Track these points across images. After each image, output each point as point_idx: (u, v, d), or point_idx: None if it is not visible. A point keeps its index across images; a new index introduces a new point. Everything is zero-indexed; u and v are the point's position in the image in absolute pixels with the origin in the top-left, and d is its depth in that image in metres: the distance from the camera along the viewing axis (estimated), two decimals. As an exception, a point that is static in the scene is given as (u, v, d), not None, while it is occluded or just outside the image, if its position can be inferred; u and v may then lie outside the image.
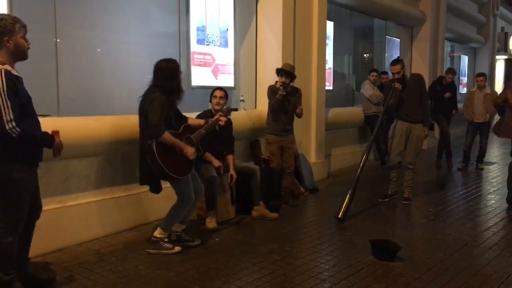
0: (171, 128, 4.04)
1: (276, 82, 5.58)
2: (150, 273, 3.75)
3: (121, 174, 4.77)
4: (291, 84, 5.63)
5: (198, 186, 4.37)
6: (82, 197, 4.42)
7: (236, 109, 6.29)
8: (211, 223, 4.78)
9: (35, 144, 3.11)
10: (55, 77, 4.71)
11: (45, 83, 4.72)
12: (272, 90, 5.61)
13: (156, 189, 4.23)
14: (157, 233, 4.20)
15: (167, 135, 3.93)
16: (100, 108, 5.08)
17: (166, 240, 4.21)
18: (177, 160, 4.02)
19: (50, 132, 3.19)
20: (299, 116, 5.89)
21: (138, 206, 4.88)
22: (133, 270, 3.80)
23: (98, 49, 5.36)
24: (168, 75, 4.05)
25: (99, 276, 3.67)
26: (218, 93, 5.03)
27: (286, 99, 5.57)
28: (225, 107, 4.88)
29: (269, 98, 5.66)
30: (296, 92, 5.77)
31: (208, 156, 4.91)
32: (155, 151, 3.88)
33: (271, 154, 5.79)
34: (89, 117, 4.58)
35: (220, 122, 4.56)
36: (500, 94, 6.59)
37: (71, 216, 4.29)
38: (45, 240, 3.97)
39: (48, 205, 4.11)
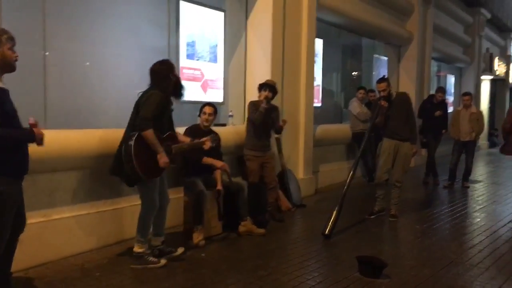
0: (160, 131, 4.03)
1: (260, 96, 5.62)
2: (134, 288, 3.71)
3: (107, 188, 4.72)
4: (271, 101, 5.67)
5: (164, 195, 4.31)
6: (67, 210, 4.36)
7: (224, 124, 6.30)
8: (198, 238, 4.74)
9: (16, 142, 3.03)
10: (42, 90, 4.69)
11: (33, 95, 4.69)
12: (254, 105, 5.64)
13: (129, 183, 4.16)
14: (136, 248, 4.16)
15: (150, 133, 3.90)
16: (88, 122, 5.05)
17: (148, 253, 4.17)
18: (150, 161, 3.98)
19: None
20: (279, 131, 6.02)
21: (123, 221, 4.83)
22: (118, 285, 3.75)
23: (87, 63, 5.35)
24: (161, 75, 4.11)
25: (83, 292, 3.62)
26: (207, 110, 5.04)
27: (267, 115, 5.59)
28: (216, 136, 4.88)
29: (250, 113, 5.68)
30: (276, 110, 5.86)
31: (208, 159, 4.89)
32: (132, 146, 3.85)
33: (251, 171, 5.75)
34: (76, 130, 4.55)
35: (204, 146, 4.55)
36: (507, 117, 6.97)
37: (56, 230, 4.23)
38: (28, 254, 3.90)
39: (32, 218, 4.04)
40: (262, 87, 5.63)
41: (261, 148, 5.75)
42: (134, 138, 3.89)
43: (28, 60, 4.60)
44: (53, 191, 4.26)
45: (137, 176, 3.94)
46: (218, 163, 4.92)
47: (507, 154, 7.13)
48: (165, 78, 4.12)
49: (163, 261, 4.16)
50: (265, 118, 5.61)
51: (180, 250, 4.33)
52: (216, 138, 4.80)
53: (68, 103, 5.06)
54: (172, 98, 4.24)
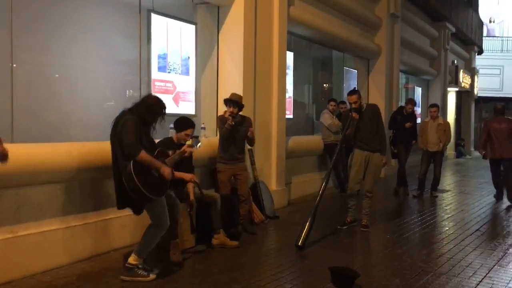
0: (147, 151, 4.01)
1: (225, 112, 5.59)
2: (105, 305, 3.63)
3: (77, 203, 4.63)
4: (240, 113, 5.65)
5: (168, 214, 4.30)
6: (34, 226, 4.25)
7: (197, 137, 6.28)
8: (175, 255, 4.65)
9: None
10: (9, 103, 4.59)
11: (-1, 108, 4.59)
12: (221, 120, 5.63)
13: (138, 210, 4.17)
14: (132, 259, 4.13)
15: (144, 154, 3.91)
16: (56, 135, 4.96)
17: (140, 267, 4.13)
18: (153, 180, 3.99)
19: None
20: (251, 143, 5.95)
21: (94, 236, 4.74)
22: (87, 302, 3.66)
23: (56, 75, 5.28)
24: (152, 110, 4.11)
25: (51, 310, 3.52)
26: (190, 132, 4.99)
27: (235, 129, 5.59)
28: (193, 137, 4.89)
29: (218, 128, 5.69)
30: (244, 121, 5.78)
31: (177, 173, 4.83)
32: (132, 171, 3.84)
33: (220, 183, 5.74)
34: (43, 143, 4.46)
35: (186, 154, 4.56)
36: (482, 133, 8.74)
37: (22, 246, 4.11)
38: (-7, 272, 3.79)
39: (-2, 235, 3.95)
40: (226, 102, 5.60)
41: (230, 160, 5.71)
42: (131, 165, 3.87)
43: (-6, 73, 4.52)
44: (20, 206, 4.15)
45: (146, 198, 3.93)
46: (187, 176, 4.87)
47: (489, 158, 8.52)
48: (152, 115, 4.13)
49: (152, 276, 4.14)
50: (233, 132, 5.60)
51: (154, 274, 4.23)
52: (195, 140, 4.80)
53: (36, 116, 4.97)
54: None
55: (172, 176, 4.13)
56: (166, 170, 4.06)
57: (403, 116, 9.11)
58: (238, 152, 5.78)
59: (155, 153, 4.13)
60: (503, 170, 8.48)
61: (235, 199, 5.80)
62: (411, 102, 9.37)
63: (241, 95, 5.88)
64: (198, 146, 4.79)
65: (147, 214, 4.19)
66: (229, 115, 5.50)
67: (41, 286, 3.96)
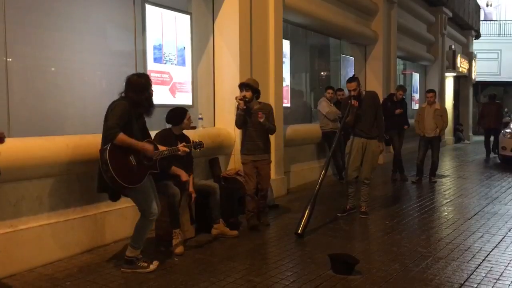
0: (132, 137, 4.00)
1: (236, 97, 5.40)
2: (106, 296, 3.65)
3: (76, 196, 4.64)
4: (258, 100, 5.49)
5: (157, 202, 4.31)
6: (34, 220, 4.26)
7: (194, 127, 6.28)
8: (178, 247, 4.65)
9: None
10: (5, 97, 4.57)
11: (-5, 103, 4.56)
12: (238, 107, 5.41)
13: (113, 196, 4.17)
14: (128, 252, 4.16)
15: (122, 136, 3.88)
16: (53, 128, 4.94)
17: (140, 258, 4.15)
18: (128, 168, 3.97)
19: None
20: (271, 131, 5.54)
21: (93, 228, 4.75)
22: (89, 294, 3.69)
23: (52, 68, 5.24)
24: (137, 89, 4.07)
25: (53, 302, 3.54)
26: (189, 115, 5.01)
27: (250, 115, 5.39)
28: (198, 140, 4.87)
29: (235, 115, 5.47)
30: (264, 108, 5.48)
31: (175, 169, 4.83)
32: (108, 157, 3.83)
33: (246, 176, 5.55)
34: (41, 137, 4.45)
35: (180, 153, 4.57)
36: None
37: (23, 240, 4.12)
38: (-6, 266, 3.81)
39: (-2, 229, 3.96)
40: (240, 87, 5.40)
41: (253, 150, 5.42)
42: (107, 148, 3.86)
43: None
44: (18, 200, 4.16)
45: (118, 185, 3.91)
46: (183, 176, 4.85)
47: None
48: (142, 91, 4.09)
49: (152, 267, 4.16)
50: (247, 118, 5.35)
51: (154, 265, 4.24)
52: (197, 144, 4.81)
53: (33, 110, 4.94)
54: None
55: (151, 153, 4.10)
56: (147, 147, 4.04)
57: (393, 102, 9.10)
58: (260, 142, 5.44)
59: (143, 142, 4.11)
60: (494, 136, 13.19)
61: (235, 188, 5.80)
62: (402, 88, 9.37)
63: (257, 80, 5.60)
64: (198, 150, 4.82)
65: (134, 202, 4.21)
66: (241, 99, 5.29)
67: (43, 279, 3.98)
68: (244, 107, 5.29)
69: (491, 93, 14.33)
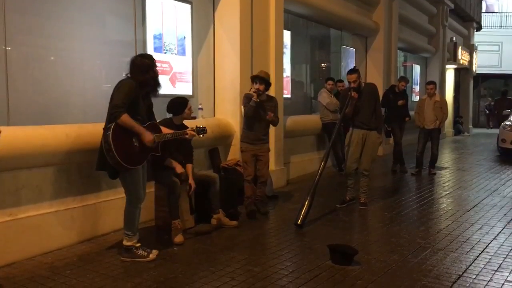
0: (138, 117, 4.02)
1: (251, 89, 5.51)
2: (106, 285, 3.66)
3: (76, 185, 4.64)
4: (266, 92, 5.58)
5: (144, 190, 4.31)
6: (34, 208, 4.27)
7: (194, 117, 6.26)
8: (176, 236, 4.66)
9: None
10: (5, 86, 4.55)
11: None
12: (247, 98, 5.51)
13: (112, 175, 4.15)
14: (125, 241, 4.18)
15: (126, 117, 3.89)
16: (53, 117, 4.93)
17: (137, 246, 4.17)
18: (130, 149, 3.98)
19: None
20: (275, 123, 5.78)
21: (94, 217, 4.76)
22: (89, 283, 3.70)
23: (52, 57, 5.22)
24: (143, 69, 4.10)
25: (53, 290, 3.55)
26: (190, 105, 5.00)
27: (261, 107, 5.49)
28: (202, 126, 4.86)
29: (244, 106, 5.57)
30: (271, 101, 5.67)
31: (170, 161, 4.84)
32: (111, 137, 3.84)
33: (244, 163, 5.68)
34: (41, 126, 4.44)
35: (187, 136, 4.59)
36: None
37: (22, 229, 4.13)
38: (-6, 254, 3.82)
39: (-2, 218, 3.96)
40: (253, 79, 5.51)
41: (254, 140, 5.60)
42: (111, 127, 3.87)
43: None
44: (18, 189, 4.16)
45: (119, 165, 3.91)
46: (178, 168, 4.84)
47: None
48: (147, 71, 4.11)
49: (152, 256, 4.17)
50: (259, 112, 5.49)
51: (154, 254, 4.25)
52: (201, 129, 4.81)
53: (32, 99, 4.93)
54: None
55: (152, 144, 4.10)
56: (147, 137, 4.04)
57: (395, 94, 9.09)
58: (263, 133, 5.66)
59: (146, 124, 4.12)
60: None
61: (235, 179, 5.80)
62: (404, 79, 9.35)
63: (269, 73, 5.77)
64: (201, 135, 4.82)
65: (122, 185, 4.21)
66: (255, 92, 5.39)
67: (42, 267, 4.00)
68: (258, 100, 5.39)
69: (503, 89, 15.09)
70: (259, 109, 5.49)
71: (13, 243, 4.05)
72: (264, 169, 5.73)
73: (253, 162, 5.65)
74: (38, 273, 3.86)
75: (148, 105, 4.26)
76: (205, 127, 4.93)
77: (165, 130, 4.43)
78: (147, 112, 4.21)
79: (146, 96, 4.20)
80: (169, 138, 4.42)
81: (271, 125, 5.84)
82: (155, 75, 4.19)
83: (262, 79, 5.45)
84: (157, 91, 4.27)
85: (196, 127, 4.85)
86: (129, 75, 4.12)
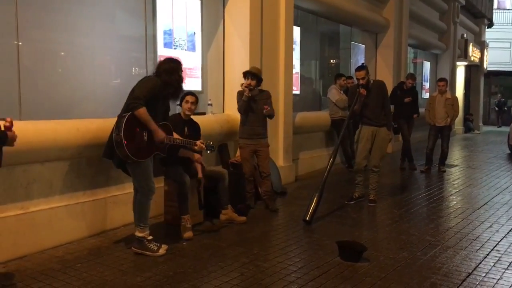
0: (153, 115, 4.06)
1: (242, 84, 5.57)
2: (116, 278, 3.69)
3: (86, 179, 4.68)
4: (258, 88, 5.65)
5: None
6: (45, 202, 4.30)
7: (204, 113, 6.28)
8: (187, 232, 4.69)
9: None
10: (17, 81, 4.59)
11: (7, 86, 4.58)
12: (240, 94, 5.61)
13: (119, 164, 4.19)
14: (137, 232, 4.21)
15: (143, 111, 3.96)
16: (64, 112, 4.97)
17: (149, 239, 4.20)
18: (139, 142, 4.03)
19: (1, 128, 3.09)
20: (270, 116, 5.81)
21: (103, 211, 4.80)
22: (99, 276, 3.73)
23: (62, 52, 5.25)
24: (169, 71, 4.19)
25: (63, 284, 3.59)
26: (190, 98, 4.98)
27: (253, 102, 5.56)
28: (211, 142, 4.85)
29: (237, 102, 5.67)
30: (263, 93, 5.73)
31: (185, 152, 4.86)
32: (123, 124, 3.90)
33: (242, 159, 5.74)
34: (52, 120, 4.47)
35: (195, 146, 4.63)
36: None
37: (34, 222, 4.17)
38: (6, 247, 3.86)
39: (9, 211, 4.01)
40: (245, 75, 5.59)
41: (252, 135, 5.67)
42: (126, 116, 3.94)
43: (0, 51, 4.50)
44: (30, 183, 4.20)
45: (123, 152, 3.94)
46: (195, 155, 4.89)
47: None
48: (170, 73, 4.18)
49: (161, 251, 4.20)
50: (252, 106, 5.57)
51: (163, 249, 4.27)
52: (211, 146, 4.79)
53: (44, 94, 4.96)
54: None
55: (161, 143, 4.17)
56: (160, 134, 4.10)
57: (403, 91, 9.03)
58: (259, 127, 5.71)
59: (160, 124, 4.17)
60: None
61: (243, 175, 5.82)
62: (412, 77, 9.28)
63: (260, 68, 5.85)
64: (208, 152, 4.84)
65: (132, 178, 4.26)
66: (246, 87, 5.47)
67: (53, 261, 4.04)
68: (249, 95, 5.47)
69: None
70: (251, 103, 5.56)
71: (24, 236, 4.10)
72: (265, 164, 5.79)
73: (252, 159, 5.73)
74: (49, 266, 3.90)
75: (165, 108, 4.32)
76: (214, 146, 4.88)
77: (176, 136, 4.45)
78: (162, 114, 4.25)
79: (166, 98, 4.27)
80: (178, 144, 4.48)
81: (270, 120, 5.92)
82: (179, 79, 4.26)
83: (253, 75, 5.53)
84: (178, 95, 4.35)
85: (207, 142, 4.79)
86: (155, 74, 4.20)
